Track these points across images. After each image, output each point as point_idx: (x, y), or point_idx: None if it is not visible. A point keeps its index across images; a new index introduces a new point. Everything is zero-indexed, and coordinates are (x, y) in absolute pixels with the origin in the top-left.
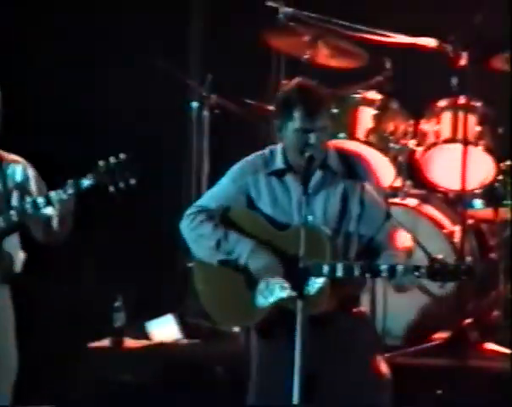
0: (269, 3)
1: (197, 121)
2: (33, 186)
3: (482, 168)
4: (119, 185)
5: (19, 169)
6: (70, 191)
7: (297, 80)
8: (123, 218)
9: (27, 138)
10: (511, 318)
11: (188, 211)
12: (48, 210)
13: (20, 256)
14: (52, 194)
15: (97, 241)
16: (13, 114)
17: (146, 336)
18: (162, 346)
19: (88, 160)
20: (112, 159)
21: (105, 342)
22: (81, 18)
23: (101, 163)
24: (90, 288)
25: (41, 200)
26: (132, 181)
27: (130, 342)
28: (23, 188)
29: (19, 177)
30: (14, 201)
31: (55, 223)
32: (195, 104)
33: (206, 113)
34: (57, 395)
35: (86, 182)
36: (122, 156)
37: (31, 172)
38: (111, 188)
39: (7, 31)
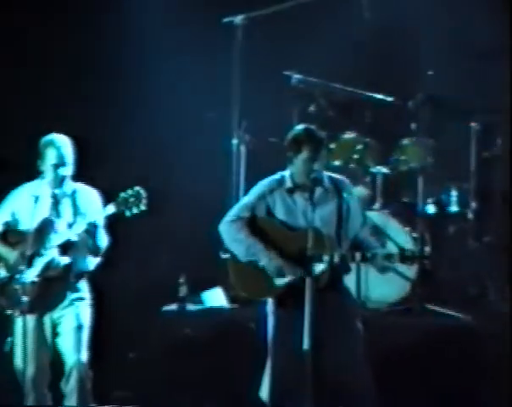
0: (286, 72)
1: (237, 154)
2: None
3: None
4: (132, 210)
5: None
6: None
7: (303, 125)
8: (183, 222)
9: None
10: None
11: (227, 218)
12: None
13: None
14: None
15: (167, 237)
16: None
17: (201, 302)
18: (212, 309)
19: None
20: (129, 191)
21: (173, 306)
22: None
23: (122, 194)
24: (163, 270)
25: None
26: (143, 207)
27: (190, 307)
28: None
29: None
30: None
31: None
32: (235, 142)
33: (243, 148)
34: (142, 340)
35: (111, 210)
36: (137, 187)
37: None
38: (127, 213)
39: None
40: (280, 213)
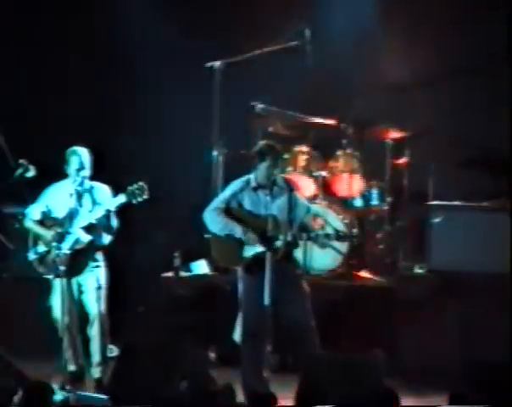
0: (252, 103)
1: (216, 162)
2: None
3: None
4: (138, 199)
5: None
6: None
7: (265, 141)
8: (177, 210)
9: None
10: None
11: (209, 208)
12: None
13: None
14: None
15: (165, 221)
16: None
17: (190, 270)
18: (198, 276)
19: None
20: (135, 185)
21: (170, 273)
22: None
23: (132, 187)
24: (162, 246)
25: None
26: (145, 197)
27: (182, 274)
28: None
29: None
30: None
31: None
32: (215, 153)
33: (220, 157)
34: (146, 298)
35: (122, 200)
36: (141, 182)
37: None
38: (134, 201)
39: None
40: (247, 205)
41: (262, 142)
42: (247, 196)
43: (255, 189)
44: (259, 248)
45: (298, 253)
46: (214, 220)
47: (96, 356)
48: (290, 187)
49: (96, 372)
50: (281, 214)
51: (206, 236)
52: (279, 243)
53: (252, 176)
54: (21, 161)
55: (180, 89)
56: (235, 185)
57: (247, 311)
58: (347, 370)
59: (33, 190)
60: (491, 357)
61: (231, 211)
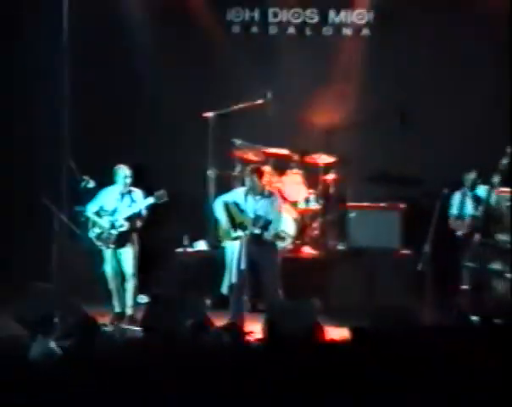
0: (232, 140)
1: (210, 179)
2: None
3: (301, 192)
4: (161, 201)
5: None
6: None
7: (252, 165)
8: (187, 205)
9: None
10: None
11: (217, 200)
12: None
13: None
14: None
15: (179, 212)
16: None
17: (194, 247)
18: (199, 251)
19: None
20: (159, 191)
21: (180, 250)
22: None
23: (157, 193)
24: (175, 230)
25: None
26: (166, 199)
27: (188, 249)
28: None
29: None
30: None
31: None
32: (210, 173)
33: (213, 176)
34: (163, 266)
35: (151, 201)
36: (162, 190)
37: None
38: (158, 202)
39: None
40: (240, 205)
41: (251, 165)
42: (241, 199)
43: (246, 194)
44: (239, 233)
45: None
46: (218, 209)
47: (130, 301)
48: (270, 195)
49: (130, 311)
50: (262, 213)
51: (211, 221)
52: (250, 231)
53: (244, 188)
54: (84, 177)
55: (183, 128)
56: (235, 191)
57: (231, 272)
58: (295, 312)
59: (92, 194)
60: (387, 300)
61: (229, 206)
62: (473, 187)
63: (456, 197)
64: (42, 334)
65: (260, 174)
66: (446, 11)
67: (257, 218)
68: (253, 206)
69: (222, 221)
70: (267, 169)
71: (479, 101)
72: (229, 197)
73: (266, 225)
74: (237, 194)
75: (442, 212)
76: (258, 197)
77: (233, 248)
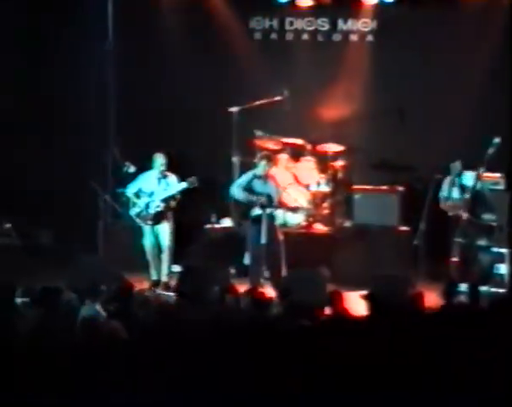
0: (254, 131)
1: (234, 165)
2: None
3: (313, 177)
4: (192, 186)
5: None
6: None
7: (264, 151)
8: (214, 191)
9: None
10: None
11: (234, 186)
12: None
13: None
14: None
15: (207, 196)
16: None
17: (220, 224)
18: (225, 227)
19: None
20: (191, 178)
21: (208, 226)
22: None
23: (189, 179)
24: (204, 209)
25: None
26: (196, 184)
27: (216, 226)
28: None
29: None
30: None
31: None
32: (235, 159)
33: (237, 161)
34: (194, 240)
35: (184, 186)
36: (193, 177)
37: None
38: (190, 187)
39: None
40: (253, 186)
41: (262, 152)
42: (251, 180)
43: (257, 178)
44: (259, 211)
45: (280, 215)
46: (239, 193)
47: (165, 270)
48: (271, 178)
49: (165, 279)
50: (272, 193)
51: (230, 203)
52: (268, 210)
53: (256, 171)
54: (126, 163)
55: (211, 121)
56: (247, 175)
57: (251, 246)
58: (307, 280)
59: (133, 178)
60: (386, 269)
61: (246, 189)
62: (459, 175)
63: (446, 183)
64: (90, 299)
65: (269, 160)
66: (440, 24)
67: (269, 197)
68: (262, 187)
69: (244, 201)
70: (284, 156)
71: (468, 100)
72: (243, 181)
73: (274, 202)
74: (248, 178)
75: (435, 194)
76: (263, 181)
77: (253, 225)
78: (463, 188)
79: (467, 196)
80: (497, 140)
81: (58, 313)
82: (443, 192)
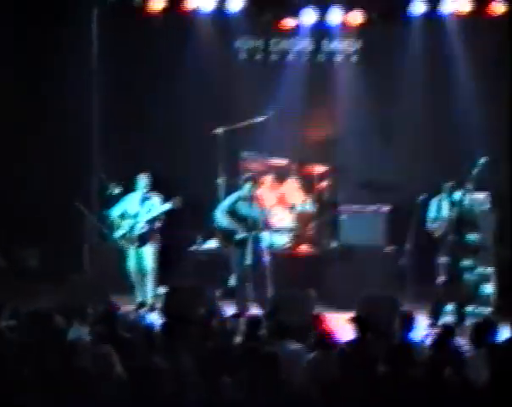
0: (239, 152)
1: (221, 186)
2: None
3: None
4: (176, 206)
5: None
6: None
7: (248, 173)
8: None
9: None
10: None
11: (218, 210)
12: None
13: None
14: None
15: (191, 216)
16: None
17: (206, 245)
18: (210, 249)
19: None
20: (176, 198)
21: (194, 247)
22: None
23: (173, 199)
24: (190, 231)
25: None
26: (181, 205)
27: (201, 247)
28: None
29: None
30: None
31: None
32: (220, 181)
33: (223, 184)
34: (179, 261)
35: (168, 206)
36: (178, 197)
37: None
38: (174, 207)
39: None
40: (238, 209)
41: (247, 174)
42: (238, 203)
43: (242, 200)
44: (243, 234)
45: (266, 236)
46: (222, 219)
47: (150, 292)
48: (254, 199)
49: (150, 301)
50: (257, 215)
51: (215, 227)
52: (253, 232)
53: (239, 193)
54: (112, 184)
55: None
56: (232, 197)
57: (236, 267)
58: (293, 301)
59: (117, 199)
60: (373, 289)
61: (230, 212)
62: (450, 194)
63: (433, 203)
64: (77, 321)
65: (254, 181)
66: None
67: (254, 219)
68: (247, 210)
69: (228, 227)
70: (269, 177)
71: (454, 119)
72: (226, 205)
73: (260, 224)
74: (232, 199)
75: (421, 214)
76: (248, 203)
77: (237, 248)
78: (452, 206)
79: (454, 214)
80: (482, 160)
81: (46, 338)
82: (431, 213)
